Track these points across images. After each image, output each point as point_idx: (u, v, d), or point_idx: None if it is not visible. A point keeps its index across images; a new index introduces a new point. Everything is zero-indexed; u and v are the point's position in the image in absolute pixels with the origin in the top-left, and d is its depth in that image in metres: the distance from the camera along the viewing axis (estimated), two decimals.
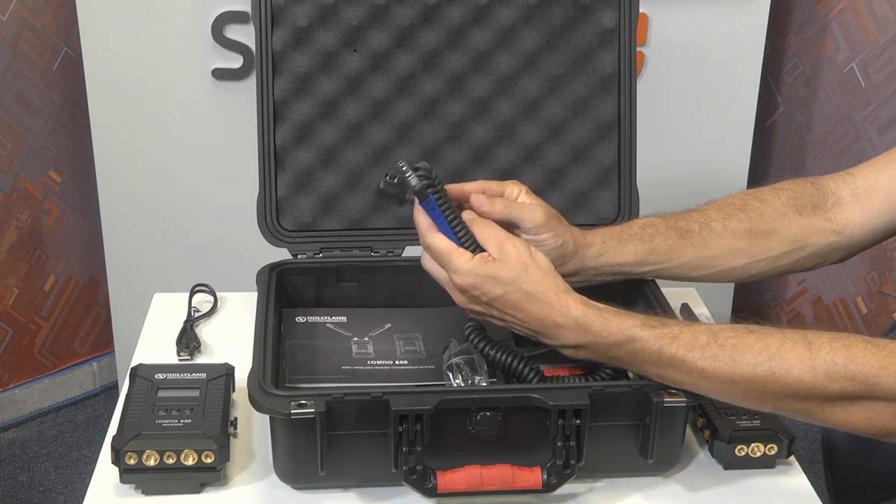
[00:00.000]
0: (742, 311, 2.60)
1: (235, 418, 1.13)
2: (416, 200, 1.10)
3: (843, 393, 0.97)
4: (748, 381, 0.99)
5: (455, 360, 1.13)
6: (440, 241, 1.08)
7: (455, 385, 1.11)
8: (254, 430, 1.15)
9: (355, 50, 1.30)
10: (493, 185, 1.18)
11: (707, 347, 1.01)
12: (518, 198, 1.17)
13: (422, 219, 1.10)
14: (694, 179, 2.25)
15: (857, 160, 2.35)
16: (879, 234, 1.23)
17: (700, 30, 2.15)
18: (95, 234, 2.33)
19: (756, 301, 2.70)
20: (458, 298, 1.09)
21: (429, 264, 1.11)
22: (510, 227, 1.14)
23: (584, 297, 1.07)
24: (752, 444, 1.11)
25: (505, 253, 1.06)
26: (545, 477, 1.03)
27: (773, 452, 1.11)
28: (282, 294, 1.26)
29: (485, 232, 1.09)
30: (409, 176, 1.09)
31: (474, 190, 1.15)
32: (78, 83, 2.16)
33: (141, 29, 2.03)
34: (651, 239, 1.19)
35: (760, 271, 1.23)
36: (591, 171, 1.35)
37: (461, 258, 1.06)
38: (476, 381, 1.11)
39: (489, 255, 1.07)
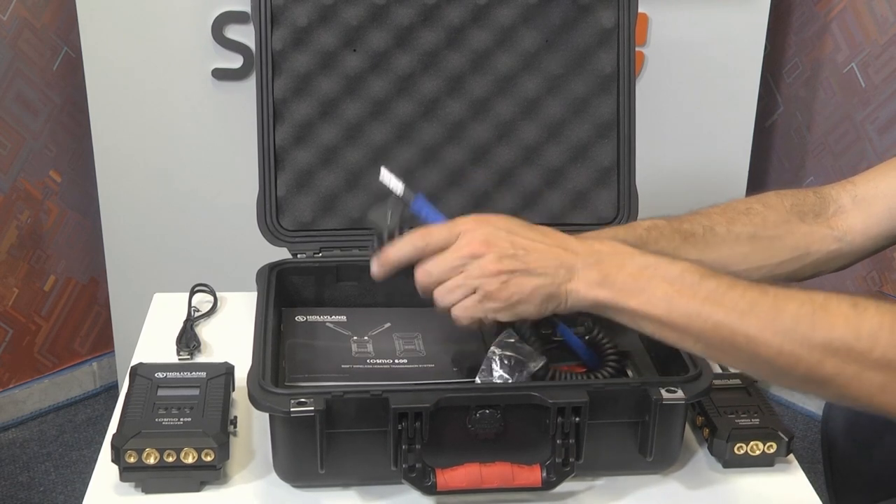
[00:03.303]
0: None
1: (235, 417, 1.13)
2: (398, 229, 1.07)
3: (885, 360, 0.92)
4: (786, 335, 0.93)
5: (499, 350, 1.11)
6: (438, 226, 1.04)
7: (497, 377, 1.10)
8: (253, 428, 1.15)
9: (355, 50, 1.30)
10: None
11: (749, 289, 0.96)
12: None
13: (403, 246, 1.04)
14: (694, 179, 2.25)
15: (857, 160, 2.36)
16: (881, 241, 1.23)
17: (700, 30, 2.15)
18: (95, 234, 2.33)
19: None
20: (476, 248, 1.00)
21: (431, 269, 1.03)
22: None
23: None
24: (752, 443, 1.11)
25: None
26: (544, 475, 1.03)
27: (772, 451, 1.11)
28: (282, 293, 1.26)
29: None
30: (391, 182, 1.09)
31: None
32: (78, 83, 2.16)
33: (141, 29, 2.03)
34: (656, 242, 1.19)
35: (762, 277, 1.21)
36: (591, 171, 1.35)
37: (461, 218, 1.03)
38: (529, 368, 1.10)
39: None
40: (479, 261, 1.00)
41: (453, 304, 1.02)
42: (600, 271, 0.99)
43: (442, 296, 1.02)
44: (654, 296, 0.97)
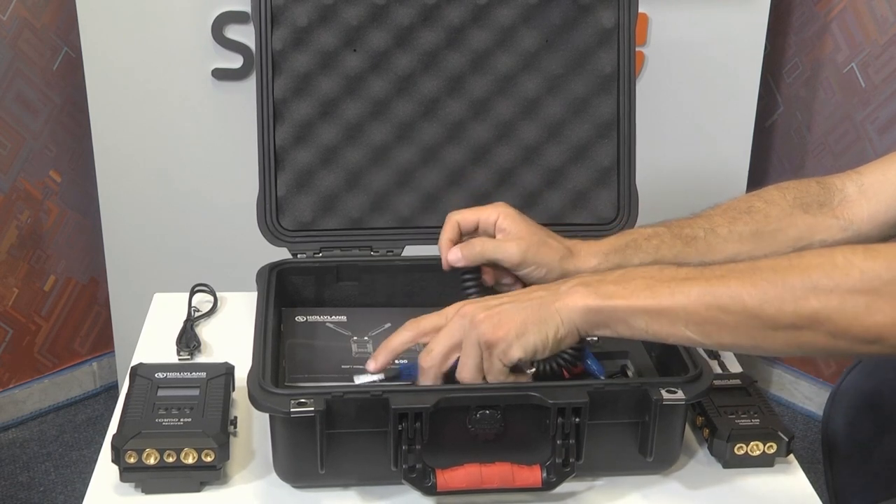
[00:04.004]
0: None
1: (235, 417, 1.13)
2: None
3: (864, 280, 0.93)
4: (767, 282, 0.95)
5: None
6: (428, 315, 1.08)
7: None
8: (254, 428, 1.15)
9: (355, 50, 1.30)
10: (468, 215, 1.19)
11: (723, 264, 1.01)
12: (496, 224, 1.18)
13: (400, 333, 1.09)
14: (694, 179, 2.25)
15: (857, 160, 2.36)
16: (887, 229, 1.22)
17: (700, 30, 2.15)
18: (95, 234, 2.33)
19: None
20: (463, 311, 1.05)
21: (432, 346, 1.06)
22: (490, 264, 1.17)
23: None
24: (752, 443, 1.11)
25: None
26: (545, 475, 1.03)
27: (772, 451, 1.11)
28: (282, 293, 1.26)
29: None
30: (369, 379, 1.12)
31: (452, 231, 1.18)
32: (78, 83, 2.16)
33: (141, 29, 2.03)
34: (656, 250, 1.18)
35: None
36: (591, 171, 1.35)
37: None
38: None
39: None
40: (468, 319, 1.03)
41: (475, 373, 1.04)
42: (583, 283, 1.02)
43: (465, 375, 1.04)
44: (637, 290, 1.00)
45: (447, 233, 1.19)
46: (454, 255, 1.17)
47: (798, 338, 0.97)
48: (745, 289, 0.96)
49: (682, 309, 0.98)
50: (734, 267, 0.99)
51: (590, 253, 1.18)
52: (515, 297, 1.05)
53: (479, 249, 1.16)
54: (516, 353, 1.01)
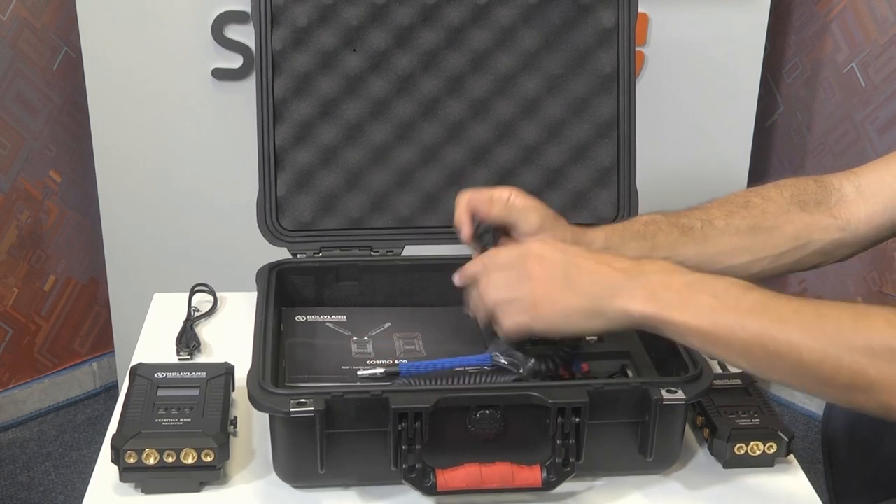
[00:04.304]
0: None
1: (235, 417, 1.13)
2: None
3: None
4: (829, 339, 0.93)
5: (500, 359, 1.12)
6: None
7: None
8: (253, 428, 1.15)
9: (355, 50, 1.30)
10: (482, 193, 1.18)
11: (791, 300, 0.97)
12: (510, 200, 1.17)
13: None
14: (694, 179, 2.25)
15: (857, 160, 2.36)
16: (884, 230, 1.22)
17: (700, 30, 2.15)
18: (95, 234, 2.33)
19: None
20: (533, 246, 1.07)
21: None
22: (506, 231, 1.16)
23: None
24: (752, 443, 1.11)
25: None
26: (545, 475, 1.03)
27: (772, 451, 1.11)
28: (281, 293, 1.26)
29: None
30: (372, 371, 1.13)
31: (466, 209, 1.17)
32: (78, 83, 2.16)
33: (141, 29, 2.03)
34: (653, 236, 1.19)
35: (763, 269, 1.22)
36: (591, 171, 1.35)
37: None
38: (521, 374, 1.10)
39: None
40: (532, 258, 1.04)
41: (497, 302, 1.05)
42: (646, 287, 1.00)
43: (487, 290, 1.06)
44: (698, 309, 0.97)
45: (462, 211, 1.18)
46: (475, 204, 1.16)
47: (850, 397, 0.95)
48: (806, 342, 0.93)
49: (739, 342, 0.96)
50: (800, 309, 0.95)
51: (592, 235, 1.19)
52: (581, 277, 1.03)
53: (503, 206, 1.15)
54: (543, 326, 1.03)
